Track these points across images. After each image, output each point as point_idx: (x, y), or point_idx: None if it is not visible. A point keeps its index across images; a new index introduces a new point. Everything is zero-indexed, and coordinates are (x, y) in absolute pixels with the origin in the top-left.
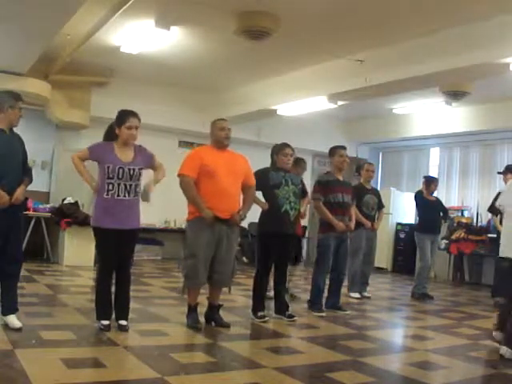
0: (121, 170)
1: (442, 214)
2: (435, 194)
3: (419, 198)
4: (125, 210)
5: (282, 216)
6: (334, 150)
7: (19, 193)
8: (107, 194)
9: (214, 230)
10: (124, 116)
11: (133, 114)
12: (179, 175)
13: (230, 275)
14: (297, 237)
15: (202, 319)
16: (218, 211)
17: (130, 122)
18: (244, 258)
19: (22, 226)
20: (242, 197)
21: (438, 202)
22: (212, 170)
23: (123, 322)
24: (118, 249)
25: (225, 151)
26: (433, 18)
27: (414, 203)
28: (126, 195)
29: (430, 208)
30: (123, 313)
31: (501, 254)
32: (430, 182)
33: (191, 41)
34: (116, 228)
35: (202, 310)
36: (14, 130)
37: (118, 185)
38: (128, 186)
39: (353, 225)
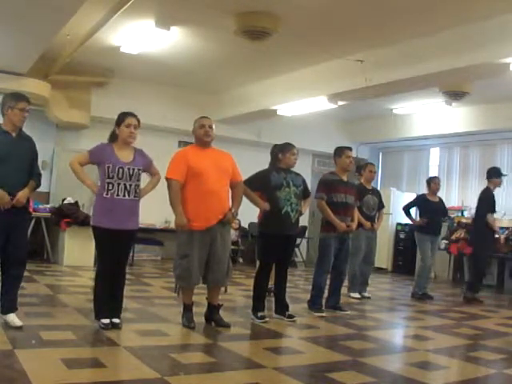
0: (120, 170)
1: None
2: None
3: (421, 200)
4: (124, 211)
5: (282, 218)
6: (340, 151)
7: (21, 195)
8: (107, 194)
9: (207, 230)
10: (122, 116)
11: (131, 114)
12: (167, 179)
13: (226, 274)
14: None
15: (200, 319)
16: (210, 214)
17: (128, 121)
18: (240, 259)
19: (27, 229)
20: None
21: (441, 203)
22: (199, 171)
23: (117, 320)
24: (116, 248)
25: (209, 149)
26: (433, 18)
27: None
28: (126, 195)
29: (431, 209)
30: (117, 311)
31: None
32: (429, 181)
33: (191, 41)
34: (114, 228)
35: (201, 310)
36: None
37: (118, 185)
38: (128, 186)
39: (354, 226)
